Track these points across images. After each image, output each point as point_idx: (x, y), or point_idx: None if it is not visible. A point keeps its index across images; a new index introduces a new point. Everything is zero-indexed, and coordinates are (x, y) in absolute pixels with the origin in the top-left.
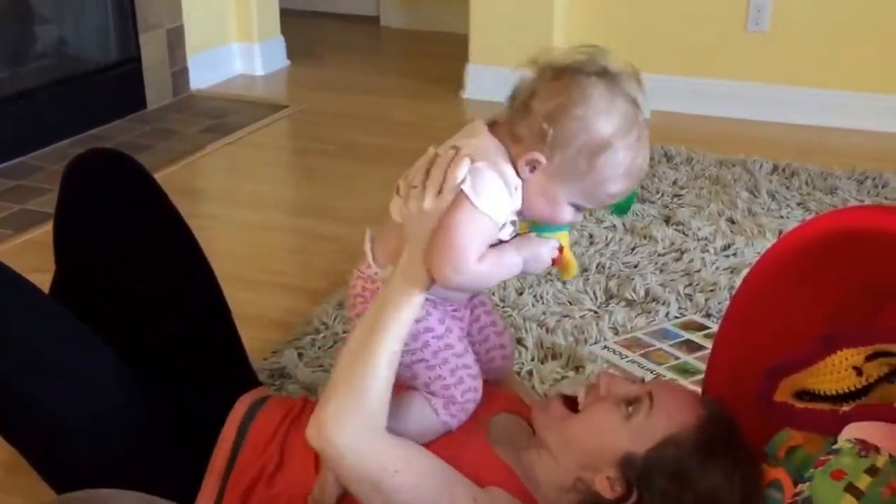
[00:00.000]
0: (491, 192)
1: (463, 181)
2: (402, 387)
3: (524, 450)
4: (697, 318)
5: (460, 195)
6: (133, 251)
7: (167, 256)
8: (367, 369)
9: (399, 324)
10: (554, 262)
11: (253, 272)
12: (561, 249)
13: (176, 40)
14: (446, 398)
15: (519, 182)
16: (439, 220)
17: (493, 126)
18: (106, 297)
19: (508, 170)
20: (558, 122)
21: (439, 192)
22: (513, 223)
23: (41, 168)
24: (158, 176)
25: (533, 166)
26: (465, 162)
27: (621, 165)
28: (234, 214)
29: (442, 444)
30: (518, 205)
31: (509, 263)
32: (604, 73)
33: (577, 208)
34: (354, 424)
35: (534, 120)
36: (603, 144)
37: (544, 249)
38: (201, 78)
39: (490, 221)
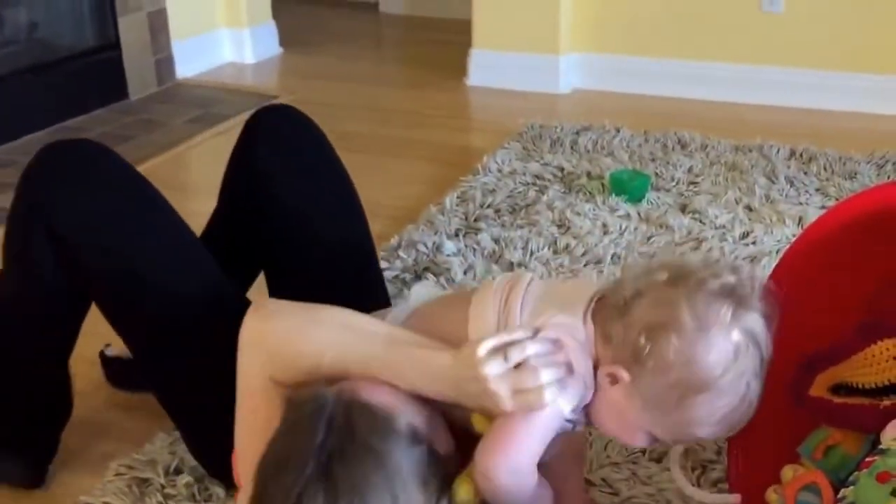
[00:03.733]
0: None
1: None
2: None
3: None
4: None
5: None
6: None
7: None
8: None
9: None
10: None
11: None
12: None
13: (159, 25)
14: None
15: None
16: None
17: (599, 302)
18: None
19: (583, 373)
20: (657, 341)
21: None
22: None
23: (12, 162)
24: (142, 168)
25: (614, 380)
26: (553, 392)
27: (718, 412)
28: None
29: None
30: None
31: None
32: (729, 294)
33: (653, 438)
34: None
35: (630, 327)
36: (703, 386)
37: None
38: (187, 66)
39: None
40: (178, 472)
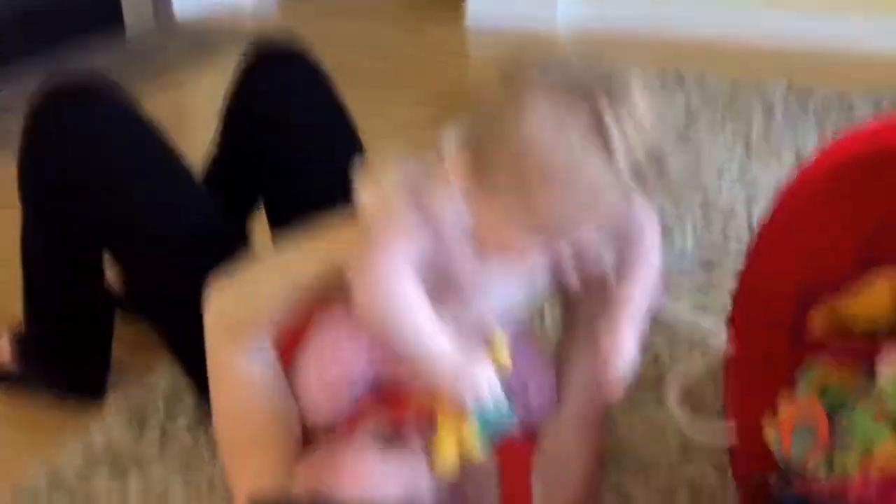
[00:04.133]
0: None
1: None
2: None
3: None
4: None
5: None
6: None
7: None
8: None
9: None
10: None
11: None
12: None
13: None
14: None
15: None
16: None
17: None
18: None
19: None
20: (479, 132)
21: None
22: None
23: (6, 100)
24: None
25: (464, 189)
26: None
27: (562, 202)
28: None
29: None
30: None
31: (430, 333)
32: (564, 78)
33: (543, 240)
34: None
35: (466, 126)
36: (511, 137)
37: (483, 378)
38: (186, 5)
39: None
40: (179, 399)
